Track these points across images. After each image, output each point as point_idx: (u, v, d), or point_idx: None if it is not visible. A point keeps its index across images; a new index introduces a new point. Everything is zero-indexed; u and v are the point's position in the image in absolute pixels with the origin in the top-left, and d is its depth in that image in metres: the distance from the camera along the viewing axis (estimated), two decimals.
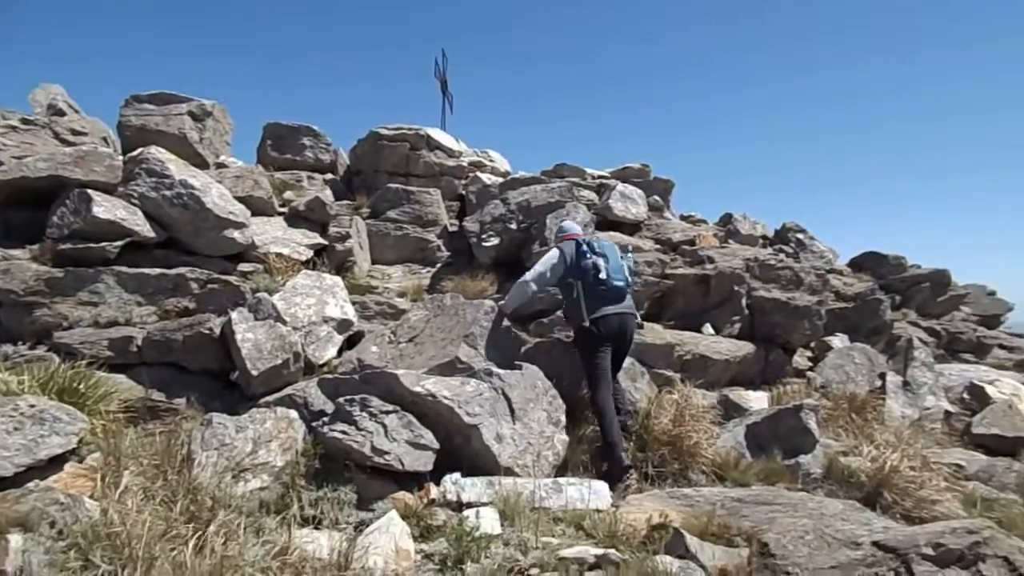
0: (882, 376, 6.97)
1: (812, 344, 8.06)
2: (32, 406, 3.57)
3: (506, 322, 5.38)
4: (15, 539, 2.75)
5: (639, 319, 5.52)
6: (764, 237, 11.10)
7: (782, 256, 8.54)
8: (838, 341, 8.09)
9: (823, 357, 7.59)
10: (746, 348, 7.09)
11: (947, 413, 6.75)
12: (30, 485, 3.27)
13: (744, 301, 7.47)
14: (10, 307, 5.24)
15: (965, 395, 7.28)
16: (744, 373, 7.11)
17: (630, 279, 5.25)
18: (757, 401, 6.24)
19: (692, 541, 3.18)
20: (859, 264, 10.88)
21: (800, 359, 7.83)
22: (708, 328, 7.27)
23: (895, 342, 8.55)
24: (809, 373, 7.39)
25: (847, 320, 8.71)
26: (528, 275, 5.17)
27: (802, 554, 3.16)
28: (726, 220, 11.22)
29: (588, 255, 5.02)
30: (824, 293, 8.03)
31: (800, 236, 10.93)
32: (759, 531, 3.39)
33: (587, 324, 4.85)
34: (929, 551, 2.99)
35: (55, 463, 3.54)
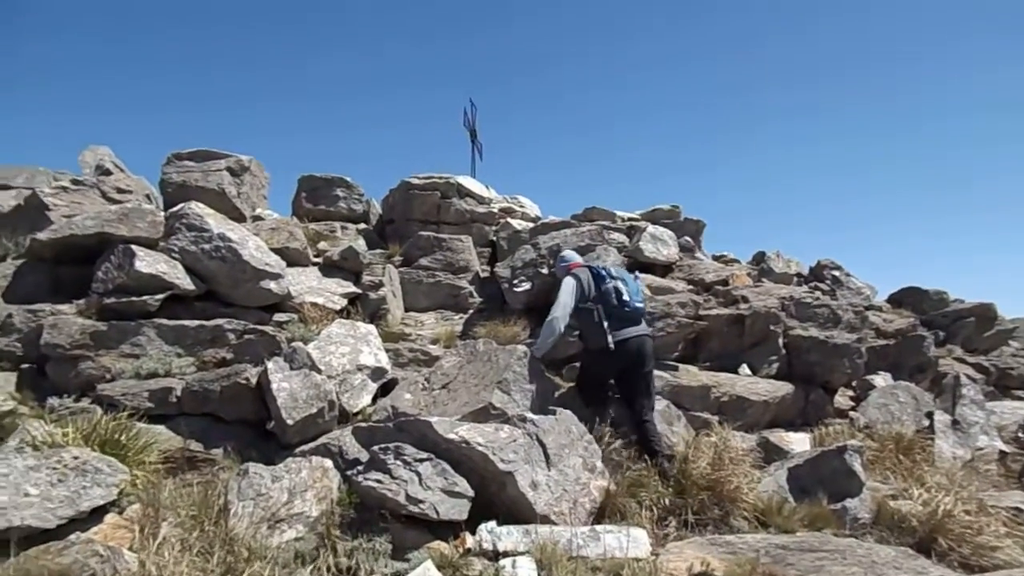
0: (929, 415, 6.72)
1: (853, 383, 7.85)
2: (76, 458, 3.65)
3: (539, 365, 5.36)
4: None
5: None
6: (799, 275, 10.94)
7: (818, 294, 8.40)
8: (880, 380, 7.87)
9: (865, 396, 7.37)
10: (785, 388, 6.93)
11: (1002, 453, 6.47)
12: (72, 537, 3.32)
13: (781, 340, 7.34)
14: (57, 361, 5.40)
15: (1020, 433, 6.98)
16: (783, 414, 6.94)
17: (643, 304, 5.52)
18: (798, 443, 6.07)
19: None
20: (899, 300, 10.64)
21: (841, 399, 7.62)
22: (745, 369, 7.14)
23: (941, 379, 8.26)
24: (851, 413, 7.17)
25: (889, 358, 8.47)
26: (555, 312, 5.27)
27: None
28: (759, 259, 11.10)
29: (608, 279, 5.34)
30: (863, 330, 7.86)
31: (836, 273, 10.75)
32: None
33: (612, 346, 5.07)
34: None
35: (96, 514, 3.60)
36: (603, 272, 5.44)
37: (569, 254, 6.23)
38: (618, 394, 5.49)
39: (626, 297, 5.26)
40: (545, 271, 7.64)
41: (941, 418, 6.57)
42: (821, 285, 10.17)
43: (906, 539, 4.22)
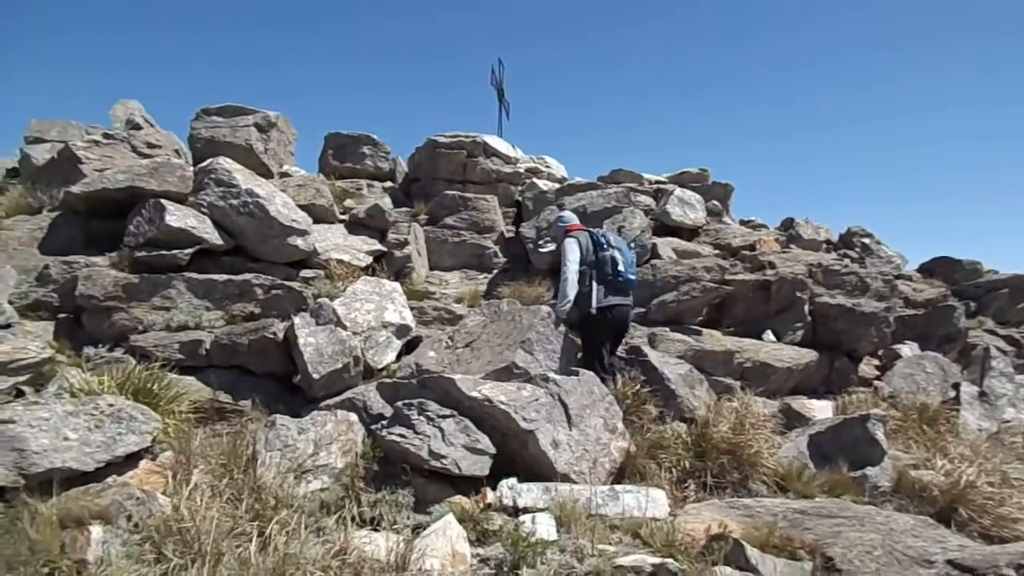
0: (956, 386, 6.64)
1: (879, 352, 7.77)
2: (111, 405, 3.76)
3: (562, 328, 5.37)
4: (96, 531, 2.90)
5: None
6: (828, 242, 10.76)
7: (847, 261, 8.29)
8: (908, 349, 7.78)
9: (891, 366, 7.30)
10: (809, 356, 6.89)
11: None
12: (109, 480, 3.45)
13: (807, 307, 7.27)
14: (92, 312, 5.54)
15: None
16: (807, 381, 6.91)
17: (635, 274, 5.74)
18: (821, 410, 6.05)
19: (753, 552, 3.10)
20: (930, 269, 10.42)
21: (867, 367, 7.56)
22: (769, 335, 7.10)
23: (970, 351, 8.14)
24: (876, 382, 7.12)
25: (917, 328, 8.36)
26: (569, 273, 5.41)
27: (870, 570, 3.05)
28: (788, 225, 10.92)
29: (606, 247, 5.51)
30: (892, 299, 7.75)
31: (866, 241, 10.56)
32: (823, 545, 3.29)
33: (595, 312, 5.29)
34: (1011, 572, 2.84)
35: (131, 460, 3.73)
36: (602, 239, 5.58)
37: (568, 215, 6.33)
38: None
39: (621, 267, 5.45)
40: None
41: (968, 389, 6.50)
42: (850, 253, 10.01)
43: (926, 508, 4.20)
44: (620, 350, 5.68)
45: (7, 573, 2.65)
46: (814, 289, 7.39)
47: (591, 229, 5.87)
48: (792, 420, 5.77)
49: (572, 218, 6.23)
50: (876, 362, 7.76)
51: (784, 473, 4.53)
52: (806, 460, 4.77)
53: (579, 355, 5.54)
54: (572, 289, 5.38)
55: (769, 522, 3.53)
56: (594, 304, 5.31)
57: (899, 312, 8.12)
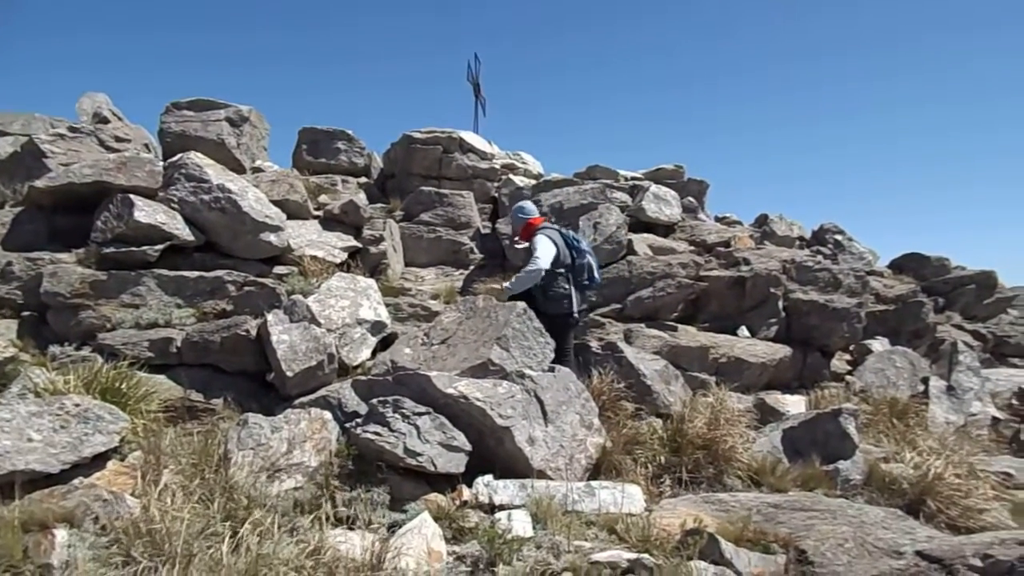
0: (925, 381, 6.78)
1: (851, 347, 7.89)
2: (77, 405, 3.67)
3: (537, 323, 5.36)
4: (61, 534, 2.83)
5: None
6: (801, 239, 10.90)
7: (820, 258, 8.38)
8: (878, 345, 7.90)
9: (863, 361, 7.42)
10: (783, 351, 6.97)
11: (995, 419, 6.54)
12: (75, 482, 3.36)
13: (781, 303, 7.35)
14: (57, 309, 5.41)
15: (1014, 400, 7.04)
16: (780, 377, 6.99)
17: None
18: (794, 405, 6.13)
19: (727, 547, 3.12)
20: (900, 266, 10.61)
21: (839, 363, 7.67)
22: (743, 331, 7.17)
23: (938, 346, 8.30)
24: (848, 377, 7.23)
25: (888, 323, 8.50)
26: (541, 263, 5.39)
27: (841, 562, 3.09)
28: (762, 221, 11.03)
29: (585, 255, 5.69)
30: (864, 295, 7.87)
31: (838, 237, 10.70)
32: (796, 538, 3.33)
33: (575, 314, 5.51)
34: (976, 562, 2.90)
35: (98, 460, 3.64)
36: (578, 245, 5.73)
37: (528, 206, 6.30)
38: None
39: (596, 274, 5.75)
40: None
41: (936, 384, 6.63)
42: (823, 249, 10.14)
43: (896, 501, 4.27)
44: (596, 346, 5.71)
45: None
46: (788, 285, 7.48)
47: (559, 227, 5.93)
48: (766, 415, 5.83)
49: (533, 210, 6.24)
50: (848, 357, 7.87)
51: (758, 468, 4.58)
52: (780, 455, 4.83)
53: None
54: (530, 283, 5.42)
55: (743, 516, 3.56)
56: (574, 308, 5.50)
57: (870, 308, 8.25)
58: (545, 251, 5.45)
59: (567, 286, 5.53)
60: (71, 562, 2.74)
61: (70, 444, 3.51)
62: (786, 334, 7.33)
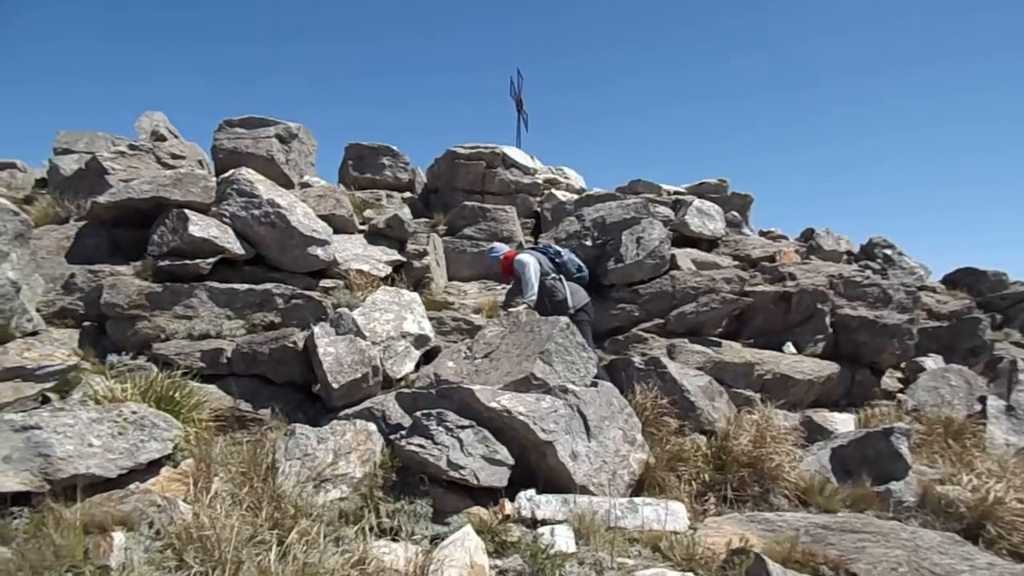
0: (982, 400, 6.52)
1: (902, 365, 7.67)
2: (134, 412, 3.80)
3: (579, 337, 5.36)
4: (119, 537, 2.93)
5: None
6: (849, 253, 10.66)
7: (868, 272, 8.19)
8: (931, 362, 7.67)
9: (915, 378, 7.20)
10: (830, 368, 6.82)
11: None
12: (131, 487, 3.50)
13: (828, 319, 7.20)
14: (116, 320, 5.62)
15: None
16: (828, 394, 6.84)
17: None
18: (843, 423, 5.98)
19: (775, 568, 3.06)
20: (954, 281, 10.29)
21: (889, 380, 7.47)
22: (789, 347, 7.04)
23: (996, 364, 8.00)
24: (899, 395, 7.03)
25: (941, 340, 8.24)
26: (528, 275, 5.91)
27: None
28: (808, 235, 10.84)
29: (562, 255, 6.23)
30: (915, 311, 7.65)
31: (888, 252, 10.44)
32: (847, 560, 3.24)
33: (574, 312, 5.84)
34: None
35: (153, 467, 3.76)
36: (551, 250, 6.29)
37: (497, 246, 6.77)
38: None
39: (582, 265, 6.29)
40: (589, 243, 7.60)
41: (995, 403, 6.37)
42: (872, 264, 9.90)
43: (952, 524, 4.12)
44: (639, 361, 5.66)
45: None
46: (835, 301, 7.32)
47: (535, 247, 6.53)
48: (813, 433, 5.70)
49: (502, 247, 6.70)
50: (899, 375, 7.66)
51: (806, 487, 4.47)
52: (828, 474, 4.71)
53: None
54: (534, 285, 5.88)
55: (791, 537, 3.49)
56: (571, 305, 5.89)
57: (922, 324, 8.02)
58: (529, 272, 5.93)
59: (561, 286, 5.98)
60: (127, 564, 2.83)
61: (127, 450, 3.63)
62: (834, 350, 7.17)
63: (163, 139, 9.12)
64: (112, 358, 5.28)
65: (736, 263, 8.36)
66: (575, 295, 6.00)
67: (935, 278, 10.48)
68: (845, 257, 10.29)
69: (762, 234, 11.04)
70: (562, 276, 6.09)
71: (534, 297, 5.90)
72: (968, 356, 8.17)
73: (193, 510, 3.23)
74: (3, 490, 3.21)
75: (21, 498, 3.26)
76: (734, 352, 6.70)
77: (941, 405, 6.57)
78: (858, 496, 4.41)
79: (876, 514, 4.16)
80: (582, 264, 6.37)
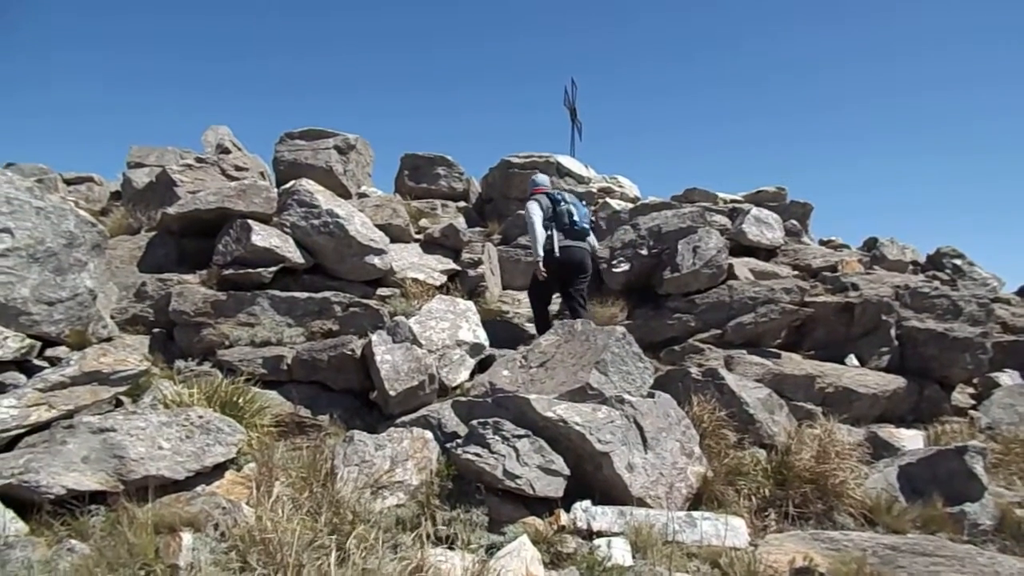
0: None
1: (975, 380, 7.32)
2: (200, 417, 3.93)
3: (636, 347, 5.30)
4: (187, 537, 3.03)
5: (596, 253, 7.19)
6: (915, 263, 10.27)
7: (937, 283, 7.87)
8: (1007, 378, 7.30)
9: (989, 395, 6.87)
10: (896, 382, 6.56)
11: None
12: (198, 489, 3.62)
13: (893, 331, 6.94)
14: (183, 327, 5.82)
15: None
16: (894, 409, 6.57)
17: (589, 226, 6.79)
18: (910, 440, 5.73)
19: None
20: None
21: (960, 396, 7.13)
22: (852, 359, 6.80)
23: None
24: (972, 412, 6.71)
25: (1018, 355, 7.83)
26: (531, 228, 6.40)
27: None
28: (871, 245, 10.48)
29: (562, 203, 6.55)
30: (988, 324, 7.30)
31: (957, 262, 10.03)
32: None
33: (557, 254, 6.32)
34: None
35: (217, 470, 3.88)
36: (559, 197, 6.61)
37: (540, 178, 7.24)
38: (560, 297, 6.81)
39: (576, 218, 6.52)
40: (644, 252, 7.53)
41: None
42: (940, 275, 9.51)
43: None
44: (696, 372, 5.55)
45: (110, 574, 2.79)
46: (901, 312, 7.06)
47: (550, 191, 6.77)
48: (879, 450, 5.48)
49: (543, 181, 7.11)
50: (971, 391, 7.31)
51: (872, 506, 4.31)
52: (896, 493, 4.53)
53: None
54: (538, 239, 6.34)
55: (858, 557, 3.37)
56: (556, 248, 6.33)
57: (996, 338, 7.64)
58: (531, 213, 6.43)
59: (550, 233, 6.40)
60: (195, 564, 2.93)
61: (194, 453, 3.75)
62: (900, 364, 6.90)
63: (227, 152, 9.44)
64: (179, 363, 5.47)
65: (796, 273, 8.14)
66: (561, 240, 6.39)
67: (1009, 289, 10.01)
68: (911, 268, 9.91)
69: (822, 243, 10.73)
70: (553, 223, 6.44)
71: (539, 254, 6.33)
72: None
73: (256, 513, 3.32)
74: (82, 489, 3.36)
75: (98, 497, 3.41)
76: (794, 364, 6.51)
77: (1019, 423, 6.25)
78: (929, 517, 4.23)
79: (949, 537, 3.98)
80: (580, 217, 6.57)
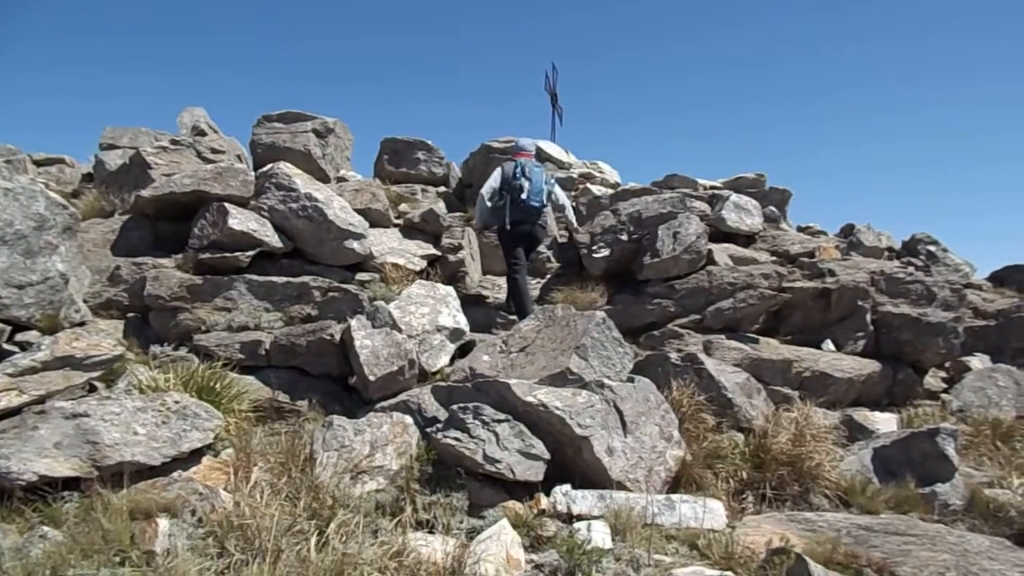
0: None
1: (947, 364, 7.46)
2: (176, 402, 3.89)
3: (616, 332, 5.32)
4: (163, 523, 3.00)
5: (548, 231, 7.66)
6: (890, 249, 10.41)
7: (912, 269, 7.97)
8: (978, 362, 7.45)
9: (960, 378, 7.00)
10: (871, 366, 6.66)
11: None
12: (174, 475, 3.58)
13: (869, 316, 7.03)
14: (158, 311, 5.74)
15: None
16: (869, 393, 6.68)
17: (546, 201, 6.97)
18: (884, 423, 5.83)
19: (816, 569, 3.00)
20: (1001, 278, 9.95)
21: (933, 380, 7.27)
22: (829, 344, 6.89)
23: None
24: (944, 395, 6.84)
25: (988, 339, 7.99)
26: (483, 190, 6.87)
27: None
28: (848, 231, 10.61)
29: (519, 176, 6.73)
30: (961, 309, 7.42)
31: (931, 248, 10.18)
32: (892, 563, 3.17)
33: (507, 227, 6.70)
34: None
35: (194, 456, 3.85)
36: (518, 171, 6.78)
37: (523, 142, 7.38)
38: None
39: (524, 195, 6.68)
40: (624, 238, 7.53)
41: None
42: (915, 260, 9.65)
43: (1002, 529, 3.99)
44: (675, 357, 5.58)
45: (83, 560, 2.75)
46: (876, 298, 7.15)
47: (524, 159, 6.96)
48: (854, 432, 5.58)
49: (525, 146, 7.29)
50: (943, 374, 7.45)
51: (847, 487, 4.39)
52: (870, 474, 4.62)
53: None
54: (479, 210, 6.97)
55: (832, 537, 3.42)
56: (507, 221, 6.66)
57: (968, 323, 7.78)
58: (488, 181, 6.88)
59: (504, 203, 6.70)
60: (171, 550, 2.90)
61: (170, 439, 3.71)
62: (875, 348, 7.00)
63: (203, 134, 9.29)
64: (155, 348, 5.39)
65: (774, 259, 8.20)
66: (512, 214, 6.66)
67: (981, 276, 10.18)
68: (887, 254, 10.05)
69: (800, 229, 10.83)
70: (508, 195, 6.70)
71: (477, 226, 7.32)
72: (1016, 356, 7.91)
73: (234, 499, 3.30)
74: (55, 475, 3.31)
75: (72, 483, 3.36)
76: (772, 349, 6.58)
77: (988, 406, 6.38)
78: (902, 498, 4.32)
79: (921, 517, 4.07)
80: (532, 194, 6.72)
